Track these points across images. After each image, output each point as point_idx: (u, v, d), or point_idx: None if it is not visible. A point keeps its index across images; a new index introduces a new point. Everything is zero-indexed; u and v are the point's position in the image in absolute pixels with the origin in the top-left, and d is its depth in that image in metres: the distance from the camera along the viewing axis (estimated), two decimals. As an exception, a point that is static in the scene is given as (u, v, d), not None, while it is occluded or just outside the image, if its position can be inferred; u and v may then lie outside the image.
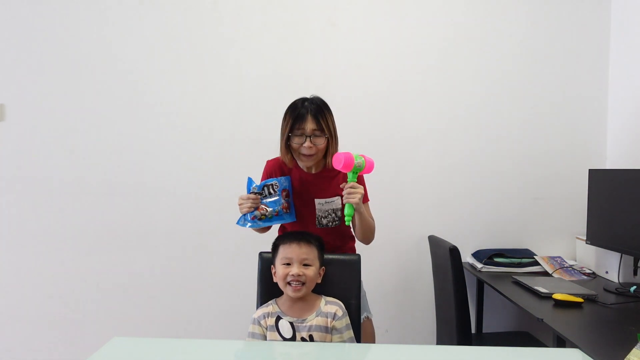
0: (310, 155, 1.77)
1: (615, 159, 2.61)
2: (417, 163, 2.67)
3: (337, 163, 1.66)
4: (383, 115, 2.66)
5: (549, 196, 2.68)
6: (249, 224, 1.78)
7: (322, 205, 1.82)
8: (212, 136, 2.65)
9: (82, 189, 2.65)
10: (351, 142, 2.60)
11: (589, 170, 2.43)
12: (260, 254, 1.77)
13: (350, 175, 1.69)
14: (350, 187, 1.67)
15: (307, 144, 1.73)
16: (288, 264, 1.60)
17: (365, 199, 1.85)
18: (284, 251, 1.61)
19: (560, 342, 1.66)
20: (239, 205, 1.76)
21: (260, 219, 1.77)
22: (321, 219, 1.83)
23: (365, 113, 2.64)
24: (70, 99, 2.63)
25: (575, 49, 2.66)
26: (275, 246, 1.66)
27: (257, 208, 1.76)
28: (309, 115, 1.73)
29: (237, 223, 1.80)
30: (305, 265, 1.60)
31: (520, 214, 2.69)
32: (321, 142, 1.75)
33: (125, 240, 2.66)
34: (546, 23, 2.66)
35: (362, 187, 1.70)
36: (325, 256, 1.71)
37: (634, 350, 1.21)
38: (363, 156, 1.69)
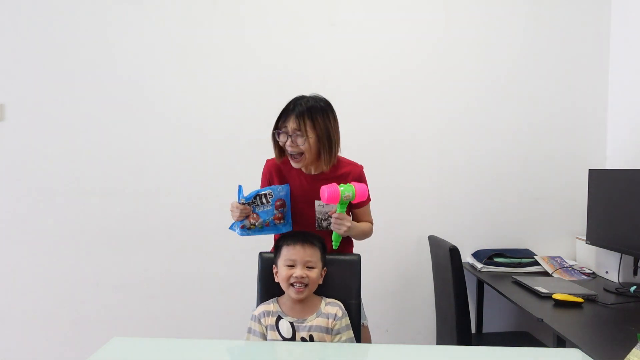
0: (295, 156, 1.75)
1: (615, 159, 2.61)
2: (417, 163, 2.67)
3: (322, 196, 1.67)
4: (383, 115, 2.66)
5: (549, 196, 2.68)
6: (239, 232, 1.76)
7: (322, 207, 1.80)
8: (212, 136, 2.65)
9: (82, 189, 2.65)
10: (351, 141, 2.60)
11: (589, 170, 2.43)
12: (260, 254, 1.77)
13: (338, 206, 1.71)
14: (337, 218, 1.71)
15: (288, 142, 1.73)
16: (291, 266, 1.60)
17: (367, 199, 1.86)
18: (288, 252, 1.61)
19: (560, 342, 1.66)
20: (231, 211, 1.75)
21: (249, 229, 1.75)
22: (321, 221, 1.82)
23: (365, 113, 2.64)
24: (70, 99, 2.63)
25: (575, 49, 2.66)
26: (278, 246, 1.66)
27: (247, 217, 1.74)
28: (292, 115, 1.72)
29: (230, 228, 1.79)
30: (308, 267, 1.60)
31: (520, 214, 2.69)
32: (301, 142, 1.72)
33: (125, 240, 2.66)
34: (546, 23, 2.66)
35: (348, 218, 1.73)
36: (326, 256, 1.71)
37: (634, 350, 1.21)
38: (354, 184, 1.70)
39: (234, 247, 2.63)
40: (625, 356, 1.23)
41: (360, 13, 2.64)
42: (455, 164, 2.68)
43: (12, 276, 2.67)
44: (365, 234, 1.88)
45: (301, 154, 1.74)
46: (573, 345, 1.53)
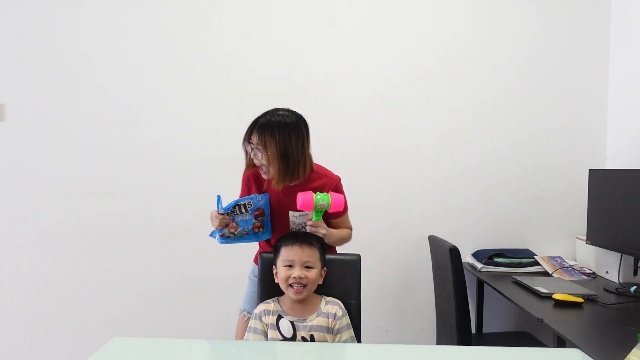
0: (261, 167, 1.75)
1: (615, 159, 2.61)
2: (417, 163, 2.67)
3: (297, 202, 1.69)
4: (383, 115, 2.65)
5: (549, 196, 2.68)
6: (218, 240, 1.78)
7: (296, 218, 1.80)
8: (211, 136, 2.64)
9: (82, 189, 2.65)
10: (351, 142, 2.60)
11: (589, 170, 2.43)
12: (261, 254, 1.77)
13: (314, 214, 1.73)
14: (311, 226, 1.73)
15: (252, 154, 1.75)
16: (290, 266, 1.60)
17: (344, 210, 1.83)
18: (286, 253, 1.61)
19: (560, 342, 1.66)
20: (210, 220, 1.77)
21: (228, 237, 1.77)
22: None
23: (365, 113, 2.63)
24: (70, 99, 2.63)
25: (575, 49, 2.66)
26: (277, 247, 1.66)
27: (227, 226, 1.76)
28: (256, 128, 1.72)
29: (210, 235, 1.80)
30: (307, 267, 1.59)
31: (520, 214, 2.69)
32: (260, 157, 1.72)
33: (125, 240, 2.66)
34: (546, 23, 2.66)
35: (323, 226, 1.72)
36: (326, 256, 1.71)
37: (634, 350, 1.21)
38: (331, 194, 1.71)
39: (234, 247, 2.62)
40: (625, 356, 1.23)
41: (361, 13, 2.64)
42: (455, 164, 2.68)
43: (12, 276, 2.66)
44: (343, 240, 1.86)
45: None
46: (573, 345, 1.53)
